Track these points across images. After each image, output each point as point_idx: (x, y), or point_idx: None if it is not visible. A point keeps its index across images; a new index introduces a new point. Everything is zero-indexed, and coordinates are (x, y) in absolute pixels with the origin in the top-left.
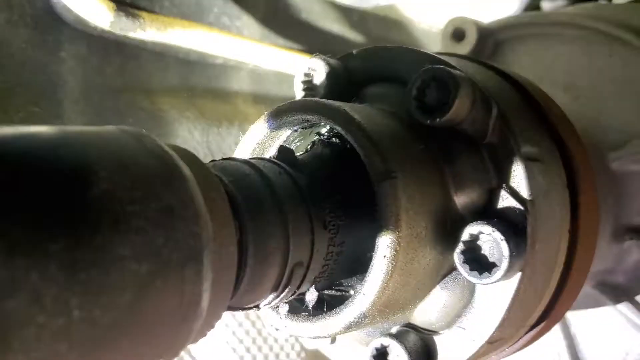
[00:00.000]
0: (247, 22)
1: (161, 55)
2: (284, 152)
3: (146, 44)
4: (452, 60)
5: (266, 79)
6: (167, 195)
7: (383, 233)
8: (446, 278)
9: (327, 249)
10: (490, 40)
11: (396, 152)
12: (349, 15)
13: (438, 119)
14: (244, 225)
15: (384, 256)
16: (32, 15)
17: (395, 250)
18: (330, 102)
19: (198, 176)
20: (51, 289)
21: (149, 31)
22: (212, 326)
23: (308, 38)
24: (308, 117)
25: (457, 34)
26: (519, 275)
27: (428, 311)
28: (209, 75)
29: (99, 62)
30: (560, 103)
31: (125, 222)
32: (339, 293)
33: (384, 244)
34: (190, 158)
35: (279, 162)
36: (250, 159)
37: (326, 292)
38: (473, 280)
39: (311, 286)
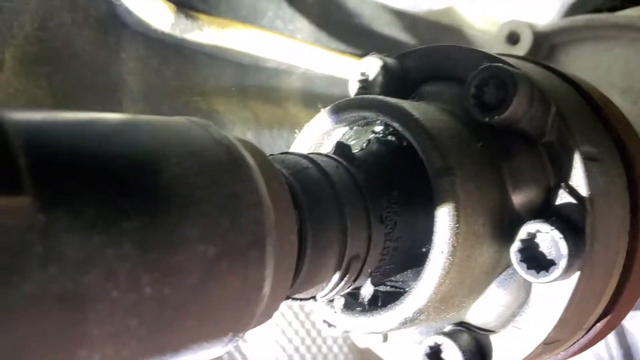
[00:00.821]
0: (299, 25)
1: (216, 58)
2: (341, 148)
3: (203, 46)
4: (509, 60)
5: (317, 83)
6: (232, 182)
7: (441, 229)
8: (501, 276)
9: (384, 244)
10: (545, 43)
11: (454, 148)
12: (401, 19)
13: (496, 117)
14: (303, 216)
15: (442, 252)
16: (95, 17)
17: (453, 247)
18: (388, 98)
19: (261, 166)
20: (125, 266)
21: (207, 33)
22: (271, 314)
23: (359, 42)
24: (365, 114)
25: (512, 37)
26: (577, 274)
27: (483, 310)
28: (262, 78)
29: (157, 64)
30: (618, 107)
31: (194, 206)
32: (393, 289)
33: (442, 240)
34: (253, 149)
35: (336, 157)
36: (308, 153)
37: (381, 287)
38: (530, 279)
39: (367, 280)
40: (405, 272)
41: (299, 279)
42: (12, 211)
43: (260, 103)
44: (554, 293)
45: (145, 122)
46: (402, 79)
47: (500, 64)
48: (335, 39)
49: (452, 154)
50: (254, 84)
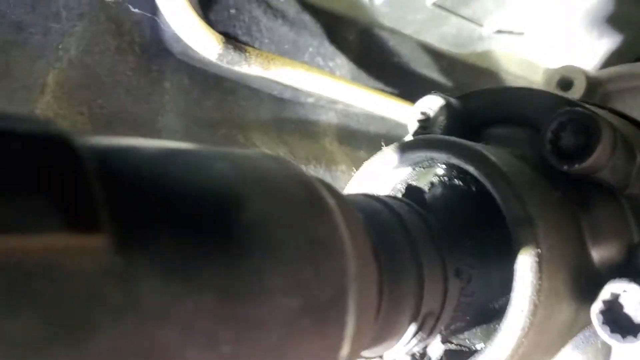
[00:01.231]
0: (339, 63)
1: (256, 91)
2: (413, 191)
3: (244, 79)
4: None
5: (354, 120)
6: (314, 225)
7: (521, 285)
8: (578, 338)
9: (458, 299)
10: (599, 90)
11: (535, 197)
12: (438, 61)
13: (576, 165)
14: (380, 266)
15: (522, 310)
16: (140, 43)
17: (534, 305)
18: (460, 140)
19: (340, 208)
20: (204, 320)
21: (253, 66)
22: None
23: (397, 81)
24: (433, 155)
25: (564, 83)
26: None
27: None
28: (300, 113)
29: (198, 95)
30: None
31: (276, 251)
32: (458, 347)
33: (522, 297)
34: (330, 188)
35: (407, 200)
36: (378, 195)
37: (447, 346)
38: (614, 343)
39: (436, 339)
40: (474, 330)
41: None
42: (87, 252)
43: (297, 138)
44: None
45: (224, 155)
46: (465, 121)
47: (581, 108)
48: (373, 77)
49: (532, 202)
50: (292, 118)
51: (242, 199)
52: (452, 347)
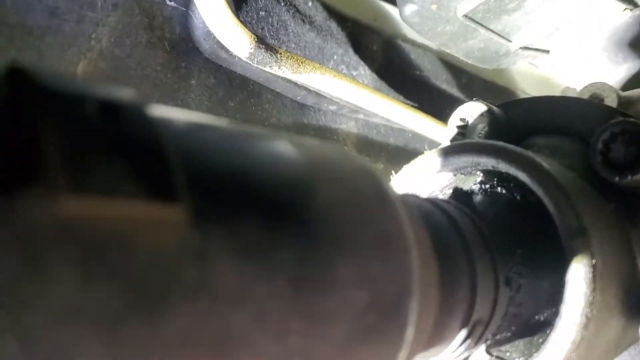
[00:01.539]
0: (362, 72)
1: (280, 96)
2: (461, 195)
3: (270, 83)
4: None
5: (374, 131)
6: (382, 219)
7: (573, 297)
8: (623, 356)
9: (507, 309)
10: (630, 110)
11: (588, 208)
12: (458, 76)
13: (629, 177)
14: (439, 271)
15: (573, 323)
16: (170, 39)
17: (587, 318)
18: (509, 145)
19: (403, 204)
20: (277, 308)
21: (283, 68)
22: None
23: (416, 94)
24: (481, 159)
25: (594, 100)
26: None
27: None
28: (321, 121)
29: (223, 95)
30: None
31: (346, 242)
32: None
33: (575, 309)
34: (389, 184)
35: (457, 203)
36: (427, 197)
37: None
38: None
39: (480, 349)
40: (517, 342)
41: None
42: (163, 223)
43: None
44: None
45: (294, 141)
46: (506, 129)
47: (635, 119)
48: (394, 88)
49: (586, 212)
50: (312, 125)
51: (314, 187)
52: (493, 359)
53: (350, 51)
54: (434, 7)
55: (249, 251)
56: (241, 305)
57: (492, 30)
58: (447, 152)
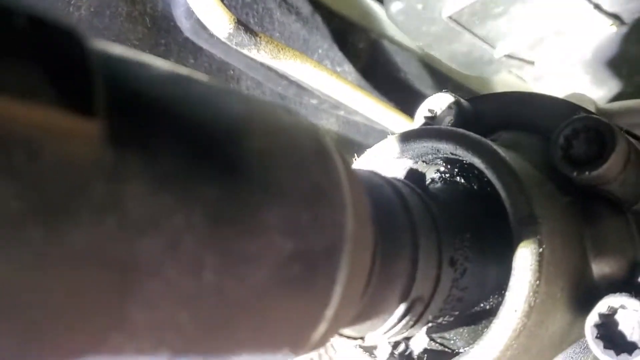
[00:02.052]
0: (346, 69)
1: (260, 84)
2: (415, 175)
3: (250, 69)
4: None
5: (354, 129)
6: (318, 172)
7: (517, 284)
8: (568, 352)
9: (450, 291)
10: None
11: (541, 198)
12: (444, 83)
13: (587, 173)
14: (377, 234)
15: (515, 310)
16: (152, 15)
17: (529, 307)
18: (468, 132)
19: (344, 166)
20: (191, 240)
21: (262, 52)
22: (323, 343)
23: (399, 97)
24: (441, 145)
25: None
26: None
27: None
28: (301, 114)
29: None
30: None
31: (278, 187)
32: (441, 347)
33: (518, 296)
34: (340, 152)
35: (409, 182)
36: (379, 173)
37: (430, 345)
38: (606, 359)
39: (421, 330)
40: (460, 329)
41: (356, 313)
42: (76, 135)
43: None
44: None
45: (239, 93)
46: (474, 123)
47: (595, 117)
48: (377, 88)
49: (538, 202)
50: None
51: (249, 129)
52: (435, 346)
53: (335, 47)
54: (419, 6)
55: (167, 179)
56: (152, 233)
57: (476, 35)
58: (408, 137)
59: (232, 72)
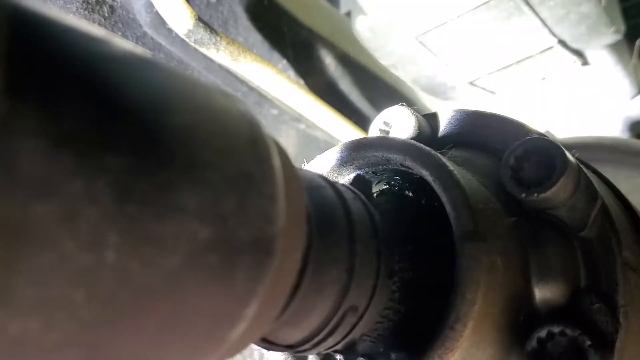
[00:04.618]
0: (310, 82)
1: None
2: (361, 182)
3: (210, 70)
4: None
5: (314, 144)
6: (249, 159)
7: (456, 302)
8: None
9: (386, 303)
10: None
11: (487, 216)
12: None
13: (535, 195)
14: (310, 238)
15: (452, 328)
16: (111, 5)
17: (467, 326)
18: (419, 144)
19: (282, 160)
20: (93, 211)
21: (222, 53)
22: (242, 347)
23: (362, 114)
24: (391, 155)
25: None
26: None
27: None
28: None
29: None
30: None
31: (200, 169)
32: None
33: (456, 314)
34: (277, 144)
35: (353, 188)
36: (324, 175)
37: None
38: None
39: (354, 344)
40: (395, 344)
41: (283, 317)
42: None
43: None
44: None
45: (169, 65)
46: (429, 139)
47: (547, 139)
48: (341, 104)
49: (483, 219)
50: None
51: (175, 105)
52: None
53: (301, 59)
54: (386, 24)
55: (68, 141)
56: (47, 197)
57: (442, 59)
58: (359, 146)
59: (190, 73)
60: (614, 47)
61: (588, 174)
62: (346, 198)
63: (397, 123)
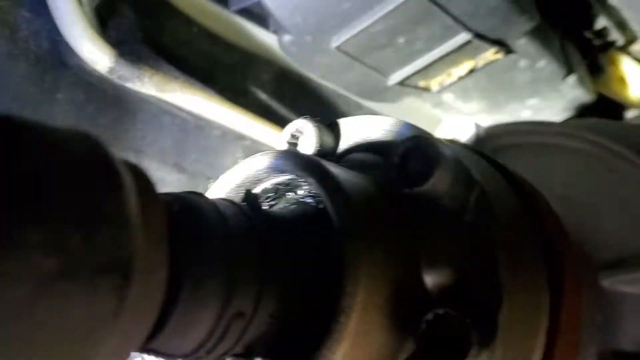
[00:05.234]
0: (251, 100)
1: (158, 116)
2: (249, 196)
3: (148, 102)
4: (442, 141)
5: None
6: (97, 192)
7: (338, 296)
8: None
9: (276, 306)
10: (489, 144)
11: (368, 213)
12: (354, 112)
13: (415, 189)
14: (183, 254)
15: (336, 321)
16: (35, 52)
17: (348, 317)
18: (304, 154)
19: (139, 186)
20: None
21: (147, 85)
22: (120, 357)
23: None
24: (278, 164)
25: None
26: None
27: None
28: (204, 145)
29: (93, 111)
30: None
31: (43, 201)
32: None
33: (339, 307)
34: (137, 171)
35: (238, 203)
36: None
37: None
38: None
39: (249, 348)
40: (287, 344)
41: (167, 329)
42: None
43: (199, 171)
44: None
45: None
46: (333, 147)
47: (425, 137)
48: (285, 120)
49: (363, 217)
50: (195, 149)
51: (21, 154)
52: None
53: (238, 79)
54: (308, 38)
55: None
56: None
57: (366, 65)
58: (257, 161)
59: (127, 105)
60: (535, 33)
61: (477, 161)
62: (224, 213)
63: (303, 135)
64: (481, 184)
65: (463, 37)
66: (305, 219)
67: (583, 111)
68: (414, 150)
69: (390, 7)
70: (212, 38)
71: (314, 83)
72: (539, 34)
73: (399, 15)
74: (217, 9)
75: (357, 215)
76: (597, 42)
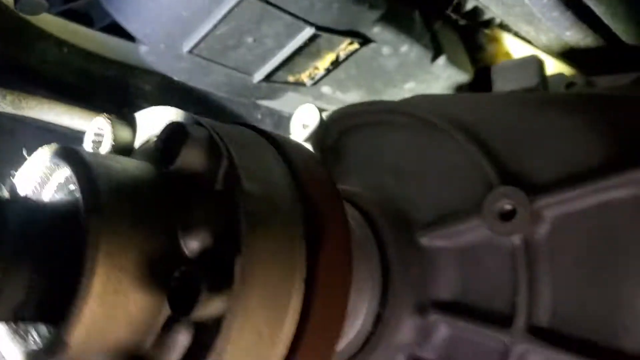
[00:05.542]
0: (135, 110)
1: (40, 131)
2: (11, 190)
3: (26, 119)
4: (217, 124)
5: None
6: None
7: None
8: None
9: (30, 279)
10: (333, 128)
11: (118, 192)
12: (252, 114)
13: (171, 167)
14: None
15: (79, 282)
16: None
17: (89, 279)
18: (71, 146)
19: None
20: None
21: (3, 105)
22: None
23: None
24: (53, 158)
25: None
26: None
27: None
28: None
29: None
30: (386, 187)
31: None
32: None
33: (82, 272)
34: None
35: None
36: None
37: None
38: (179, 316)
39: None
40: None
41: None
42: None
43: None
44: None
45: None
46: (127, 141)
47: (180, 121)
48: None
49: (110, 195)
50: None
51: None
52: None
53: (118, 92)
54: (162, 46)
55: None
56: None
57: (225, 65)
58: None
59: (5, 124)
60: (389, 19)
61: (243, 132)
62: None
63: (105, 133)
64: (232, 157)
65: (308, 32)
66: (67, 204)
67: (465, 88)
68: (171, 135)
69: (225, 10)
70: (87, 56)
71: (200, 88)
72: (394, 20)
73: (238, 17)
74: (85, 28)
75: (102, 193)
76: (471, 22)
